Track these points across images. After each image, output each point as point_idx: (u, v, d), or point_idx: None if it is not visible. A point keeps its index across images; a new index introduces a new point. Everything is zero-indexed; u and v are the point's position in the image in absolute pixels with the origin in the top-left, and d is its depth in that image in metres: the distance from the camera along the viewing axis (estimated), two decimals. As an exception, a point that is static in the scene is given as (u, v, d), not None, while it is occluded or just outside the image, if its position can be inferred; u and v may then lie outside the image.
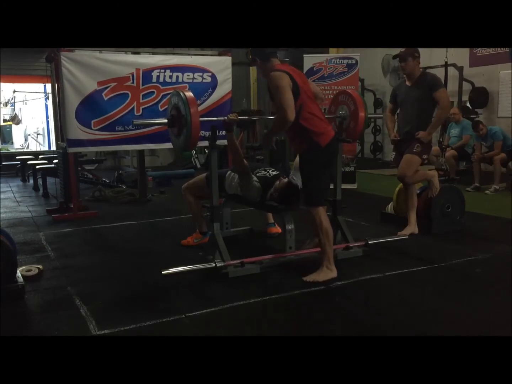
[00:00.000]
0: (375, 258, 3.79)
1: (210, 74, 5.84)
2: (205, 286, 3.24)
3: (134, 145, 5.74)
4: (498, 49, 8.41)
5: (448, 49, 7.82)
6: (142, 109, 5.54)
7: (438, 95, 4.19)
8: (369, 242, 3.82)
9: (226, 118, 3.53)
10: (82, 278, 3.45)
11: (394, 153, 4.79)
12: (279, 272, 3.47)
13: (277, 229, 4.42)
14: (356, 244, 3.82)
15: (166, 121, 3.46)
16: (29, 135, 14.15)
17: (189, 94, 3.27)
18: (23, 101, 13.47)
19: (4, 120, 13.65)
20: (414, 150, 4.32)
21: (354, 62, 7.26)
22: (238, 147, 3.70)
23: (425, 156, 4.39)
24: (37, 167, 7.63)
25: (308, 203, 3.34)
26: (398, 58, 4.36)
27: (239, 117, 3.60)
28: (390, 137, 4.65)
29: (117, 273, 3.57)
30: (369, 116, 4.11)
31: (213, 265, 3.30)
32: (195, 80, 5.76)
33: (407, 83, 4.41)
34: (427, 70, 4.96)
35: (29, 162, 8.44)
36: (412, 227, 4.44)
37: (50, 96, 10.84)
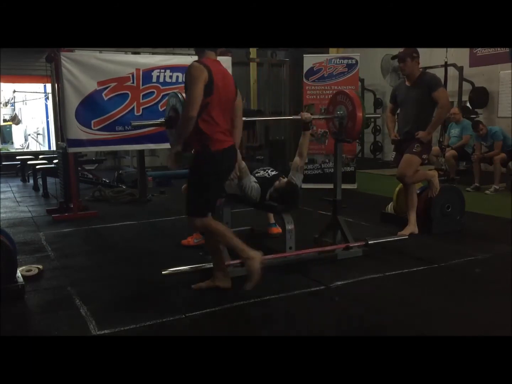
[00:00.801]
0: (375, 258, 3.79)
1: (210, 74, 5.83)
2: (205, 286, 3.24)
3: (134, 145, 5.73)
4: (498, 49, 8.41)
5: (448, 49, 7.83)
6: (142, 109, 5.53)
7: (437, 94, 4.19)
8: (369, 242, 3.82)
9: None
10: (82, 278, 3.45)
11: (395, 153, 4.79)
12: (279, 272, 3.47)
13: (278, 229, 4.42)
14: (356, 244, 3.82)
15: (164, 122, 3.46)
16: (29, 135, 14.14)
17: None
18: (23, 101, 13.47)
19: (4, 120, 13.65)
20: (414, 150, 4.32)
21: (354, 62, 7.26)
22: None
23: (425, 156, 4.39)
24: (37, 167, 7.64)
25: (190, 212, 3.04)
26: (397, 59, 4.36)
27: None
28: (390, 137, 4.66)
29: (117, 273, 3.57)
30: (367, 116, 4.11)
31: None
32: (195, 80, 5.76)
33: (407, 83, 4.41)
34: (427, 70, 4.96)
35: (29, 162, 8.45)
36: (412, 227, 4.44)
37: (50, 96, 10.84)
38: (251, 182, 3.64)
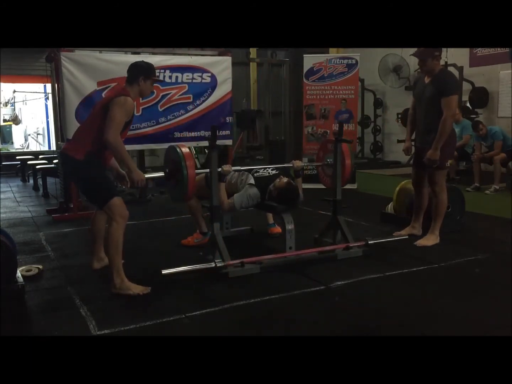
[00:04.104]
0: (375, 258, 3.79)
1: (209, 74, 5.84)
2: (205, 286, 3.24)
3: (134, 145, 5.73)
4: (498, 49, 8.41)
5: (448, 49, 7.82)
6: (142, 109, 5.54)
7: (446, 102, 3.84)
8: (369, 242, 3.82)
9: (220, 169, 3.56)
10: (82, 278, 3.45)
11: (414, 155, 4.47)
12: (279, 272, 3.47)
13: (278, 229, 4.42)
14: (356, 244, 3.82)
15: (163, 174, 3.53)
16: (29, 135, 14.14)
17: (185, 149, 3.38)
18: (23, 101, 13.45)
19: (4, 120, 13.64)
20: (434, 167, 4.02)
21: (354, 62, 7.26)
22: (225, 194, 3.75)
23: (448, 163, 4.12)
24: (37, 167, 7.64)
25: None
26: (416, 57, 4.03)
27: (232, 168, 3.68)
28: (405, 143, 4.42)
29: (117, 273, 3.56)
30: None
31: (213, 265, 3.30)
32: (194, 80, 5.76)
33: (426, 78, 4.08)
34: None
35: (29, 162, 8.45)
36: (434, 238, 4.19)
37: (50, 96, 10.83)
38: (246, 191, 3.66)
